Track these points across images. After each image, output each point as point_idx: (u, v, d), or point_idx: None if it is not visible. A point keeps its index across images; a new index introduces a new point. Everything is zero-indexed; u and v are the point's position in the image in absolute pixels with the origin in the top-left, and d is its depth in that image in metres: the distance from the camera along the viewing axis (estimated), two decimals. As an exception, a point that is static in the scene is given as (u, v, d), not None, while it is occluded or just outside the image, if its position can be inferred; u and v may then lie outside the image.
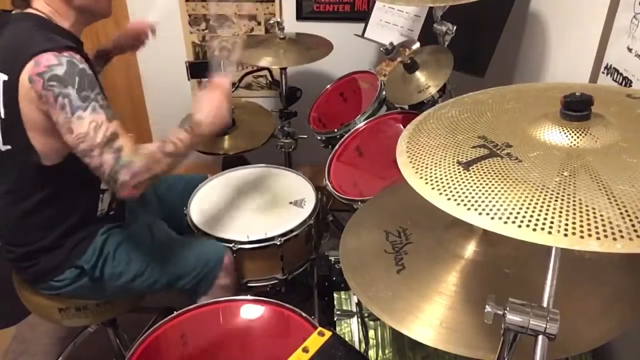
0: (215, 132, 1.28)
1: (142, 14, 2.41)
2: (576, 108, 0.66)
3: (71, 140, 1.10)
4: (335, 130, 1.79)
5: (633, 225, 0.51)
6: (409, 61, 1.49)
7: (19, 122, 1.12)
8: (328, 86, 2.08)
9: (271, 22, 2.35)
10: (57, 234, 1.29)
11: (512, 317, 0.61)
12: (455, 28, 1.46)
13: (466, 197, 0.59)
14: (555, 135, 0.66)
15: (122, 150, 1.10)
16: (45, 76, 1.06)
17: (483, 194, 0.58)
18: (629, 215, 0.52)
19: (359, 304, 1.27)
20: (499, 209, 0.56)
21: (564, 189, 0.57)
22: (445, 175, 0.63)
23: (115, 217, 1.40)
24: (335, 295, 1.33)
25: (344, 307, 1.30)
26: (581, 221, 0.53)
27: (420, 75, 1.49)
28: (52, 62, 1.07)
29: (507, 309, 0.61)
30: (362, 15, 2.19)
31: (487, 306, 0.63)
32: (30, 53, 1.07)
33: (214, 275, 1.43)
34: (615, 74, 1.13)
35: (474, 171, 0.62)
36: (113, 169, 1.10)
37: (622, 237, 0.51)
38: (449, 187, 0.61)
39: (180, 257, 1.42)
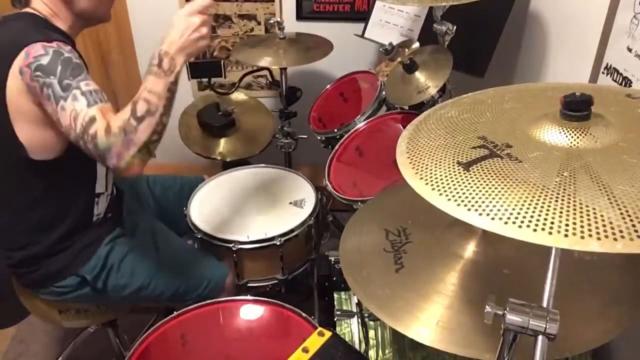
0: (193, 55, 1.10)
1: (142, 16, 2.42)
2: (576, 108, 0.66)
3: (64, 132, 1.07)
4: (335, 130, 1.79)
5: (634, 226, 0.51)
6: (408, 62, 1.49)
7: (5, 115, 1.10)
8: (328, 86, 2.08)
9: (271, 22, 2.36)
10: (53, 239, 1.26)
11: (512, 317, 0.61)
12: (455, 28, 1.46)
13: (466, 197, 0.59)
14: (555, 135, 0.66)
15: (96, 137, 1.02)
16: (32, 67, 1.05)
17: (483, 194, 0.58)
18: (629, 216, 0.52)
19: (359, 304, 1.27)
20: (499, 210, 0.56)
21: (564, 190, 0.57)
22: (446, 176, 0.63)
23: (113, 219, 1.40)
24: (335, 295, 1.33)
25: (344, 307, 1.30)
26: (581, 221, 0.53)
27: (419, 76, 1.49)
28: (39, 53, 1.05)
29: (507, 309, 0.61)
30: (362, 15, 2.19)
31: (487, 306, 0.63)
32: (20, 46, 1.06)
33: (216, 295, 1.43)
34: (615, 74, 1.13)
35: (474, 172, 0.62)
36: (99, 158, 1.04)
37: (622, 237, 0.50)
38: (449, 188, 0.61)
39: (185, 274, 1.43)
